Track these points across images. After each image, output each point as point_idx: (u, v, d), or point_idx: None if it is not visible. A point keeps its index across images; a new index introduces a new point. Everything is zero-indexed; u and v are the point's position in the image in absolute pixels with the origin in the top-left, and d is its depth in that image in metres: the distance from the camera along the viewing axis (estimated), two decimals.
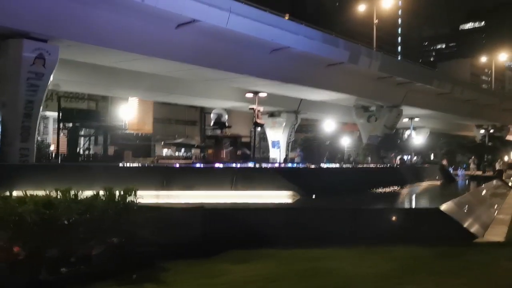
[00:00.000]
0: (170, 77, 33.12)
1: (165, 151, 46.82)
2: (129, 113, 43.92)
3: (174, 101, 48.03)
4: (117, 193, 8.30)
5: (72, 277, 7.27)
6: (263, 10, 29.85)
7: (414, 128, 60.51)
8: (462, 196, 15.93)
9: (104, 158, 31.53)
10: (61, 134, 32.69)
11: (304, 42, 32.06)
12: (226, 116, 31.94)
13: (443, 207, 11.90)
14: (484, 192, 22.55)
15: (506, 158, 62.82)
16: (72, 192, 7.81)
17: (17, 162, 20.88)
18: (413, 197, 17.60)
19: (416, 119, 54.43)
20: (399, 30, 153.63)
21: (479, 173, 45.91)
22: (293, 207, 12.66)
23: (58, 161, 30.80)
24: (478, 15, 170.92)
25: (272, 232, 10.32)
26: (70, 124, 31.48)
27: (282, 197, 13.79)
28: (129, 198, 8.44)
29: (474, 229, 12.05)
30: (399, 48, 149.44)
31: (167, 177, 13.84)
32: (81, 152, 32.80)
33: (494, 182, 29.09)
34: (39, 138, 33.97)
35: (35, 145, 23.09)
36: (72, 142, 31.81)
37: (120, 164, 19.07)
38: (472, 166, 50.63)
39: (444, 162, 45.11)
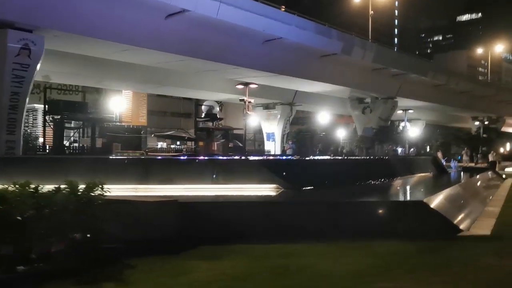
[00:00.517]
0: (163, 69, 32.66)
1: (160, 144, 46.35)
2: (122, 105, 43.42)
3: (168, 93, 47.73)
4: (83, 186, 7.95)
5: (30, 275, 6.87)
6: (254, 0, 29.41)
7: (410, 120, 60.22)
8: (450, 188, 15.59)
9: (92, 151, 31.06)
10: (49, 127, 32.25)
11: (296, 32, 31.55)
12: (218, 108, 31.39)
13: (427, 199, 11.56)
14: (475, 184, 22.22)
15: (502, 150, 62.65)
16: (32, 186, 7.45)
17: (3, 154, 20.53)
18: (400, 189, 17.28)
19: (411, 111, 54.07)
20: (396, 21, 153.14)
21: (472, 164, 45.72)
22: (271, 201, 12.27)
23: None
24: (475, 7, 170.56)
25: (248, 227, 9.98)
26: (59, 117, 30.99)
27: (265, 190, 13.43)
28: (97, 192, 8.08)
29: (459, 222, 11.74)
30: (396, 39, 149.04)
31: (147, 170, 13.49)
32: (68, 144, 32.27)
33: (486, 173, 28.80)
34: (28, 131, 33.69)
35: (21, 138, 22.72)
36: (59, 134, 31.31)
37: (98, 157, 18.64)
38: (465, 157, 50.45)
39: (439, 154, 44.83)
